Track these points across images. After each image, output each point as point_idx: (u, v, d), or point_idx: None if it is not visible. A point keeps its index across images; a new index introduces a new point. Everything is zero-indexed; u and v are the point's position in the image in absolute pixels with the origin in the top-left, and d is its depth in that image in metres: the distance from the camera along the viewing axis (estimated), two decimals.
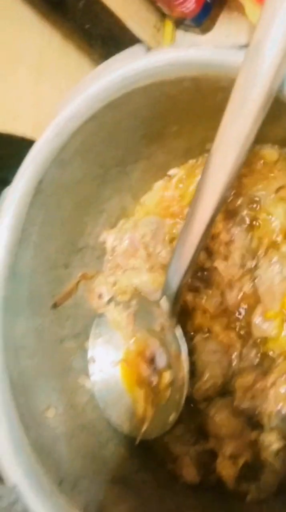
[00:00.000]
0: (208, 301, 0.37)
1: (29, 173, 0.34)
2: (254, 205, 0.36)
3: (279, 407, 0.30)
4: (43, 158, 0.34)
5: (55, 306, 0.40)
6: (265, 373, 0.32)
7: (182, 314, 0.38)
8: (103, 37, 0.56)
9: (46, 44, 0.60)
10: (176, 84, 0.29)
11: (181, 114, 0.34)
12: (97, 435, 0.36)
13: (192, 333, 0.38)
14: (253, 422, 0.32)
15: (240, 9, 0.27)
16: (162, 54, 0.28)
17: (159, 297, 0.35)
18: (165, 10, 0.30)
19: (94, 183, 0.39)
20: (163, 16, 0.32)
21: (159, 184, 0.43)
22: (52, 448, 0.32)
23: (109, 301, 0.40)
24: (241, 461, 0.30)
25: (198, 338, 0.37)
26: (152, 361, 0.38)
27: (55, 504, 0.28)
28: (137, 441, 0.35)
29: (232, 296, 0.36)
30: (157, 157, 0.40)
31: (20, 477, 0.29)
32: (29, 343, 0.36)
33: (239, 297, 0.35)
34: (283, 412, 0.30)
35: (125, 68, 0.29)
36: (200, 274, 0.38)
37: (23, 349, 0.36)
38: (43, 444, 0.32)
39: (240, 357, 0.34)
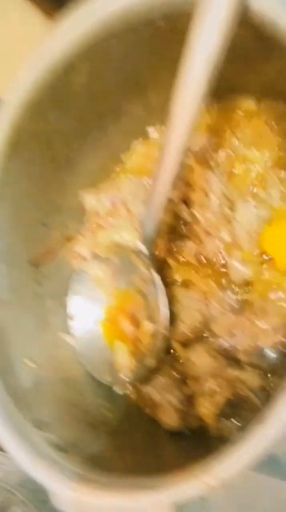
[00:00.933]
0: (187, 252, 0.37)
1: (5, 120, 0.34)
2: (232, 154, 0.36)
3: (257, 343, 0.30)
4: (19, 105, 0.34)
5: (36, 265, 0.40)
6: (243, 312, 0.32)
7: (162, 268, 0.38)
8: None
9: None
10: (149, 25, 0.30)
11: (157, 62, 0.34)
12: (78, 386, 0.36)
13: (172, 286, 0.38)
14: (232, 362, 0.32)
15: None
16: None
17: (138, 245, 0.35)
18: None
19: (72, 138, 0.39)
20: None
21: (138, 142, 0.43)
22: (29, 394, 0.32)
23: (90, 257, 0.40)
24: (221, 398, 0.30)
25: (177, 290, 0.37)
26: (133, 315, 0.38)
27: (28, 440, 0.27)
28: (117, 390, 0.35)
29: (211, 245, 0.36)
30: (136, 113, 0.40)
31: None
32: (6, 296, 0.36)
33: (218, 245, 0.35)
34: (260, 348, 0.30)
35: (98, 12, 0.30)
36: (179, 228, 0.38)
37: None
38: (20, 389, 0.31)
39: (219, 302, 0.34)
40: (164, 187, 0.30)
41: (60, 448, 0.27)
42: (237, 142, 0.37)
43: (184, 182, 0.36)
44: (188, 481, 0.21)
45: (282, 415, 0.19)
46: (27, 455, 0.26)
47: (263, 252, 0.33)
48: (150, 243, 0.34)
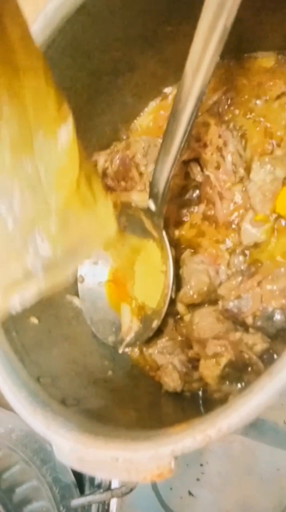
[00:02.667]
0: (197, 215, 0.36)
1: None
2: (252, 115, 0.35)
3: (264, 306, 0.29)
4: None
5: None
6: (252, 275, 0.31)
7: (171, 232, 0.37)
8: None
9: None
10: None
11: (175, 10, 0.33)
12: (81, 346, 0.36)
13: (180, 248, 0.37)
14: (238, 325, 0.31)
15: None
16: None
17: (147, 204, 0.34)
18: None
19: (85, 92, 0.38)
20: None
21: (154, 103, 0.42)
22: (32, 350, 0.31)
23: None
24: (223, 360, 0.29)
25: (186, 253, 0.36)
26: None
27: (32, 393, 0.27)
28: (121, 350, 0.35)
29: (223, 207, 0.35)
30: (151, 68, 0.38)
31: None
32: None
33: (230, 207, 0.34)
34: (268, 311, 0.29)
35: None
36: (191, 190, 0.37)
37: None
38: (23, 345, 0.31)
39: (228, 266, 0.33)
40: (176, 143, 0.29)
41: (63, 402, 0.27)
42: (255, 100, 0.35)
43: (197, 141, 0.35)
44: (189, 434, 0.21)
45: None
46: (31, 408, 0.26)
47: (275, 215, 0.32)
48: (160, 202, 0.33)
